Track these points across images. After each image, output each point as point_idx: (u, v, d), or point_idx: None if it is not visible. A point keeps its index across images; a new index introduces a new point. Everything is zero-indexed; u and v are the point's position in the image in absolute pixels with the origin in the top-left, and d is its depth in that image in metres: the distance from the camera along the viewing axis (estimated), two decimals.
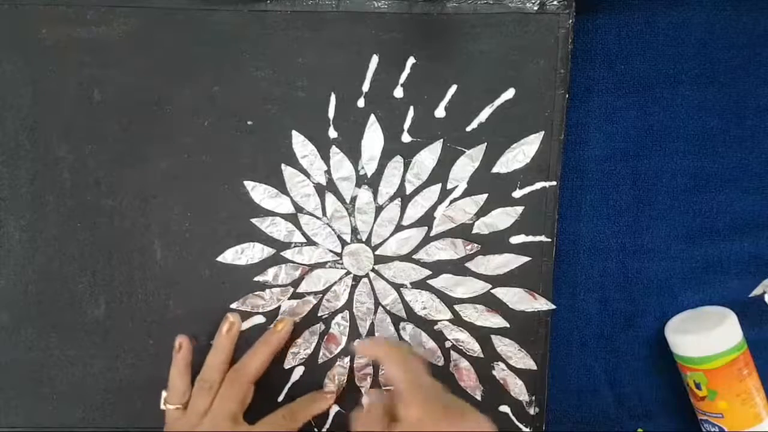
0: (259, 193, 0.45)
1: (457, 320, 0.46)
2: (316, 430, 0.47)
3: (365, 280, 0.46)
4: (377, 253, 0.46)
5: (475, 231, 0.45)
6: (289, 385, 0.47)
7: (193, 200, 0.45)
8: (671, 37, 0.46)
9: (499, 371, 0.47)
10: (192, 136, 0.45)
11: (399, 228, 0.46)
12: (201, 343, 0.46)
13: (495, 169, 0.45)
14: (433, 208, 0.45)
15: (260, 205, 0.45)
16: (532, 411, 0.47)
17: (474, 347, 0.47)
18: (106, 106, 0.45)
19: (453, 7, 0.43)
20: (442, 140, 0.44)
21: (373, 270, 0.46)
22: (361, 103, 0.44)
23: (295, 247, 0.46)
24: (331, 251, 0.46)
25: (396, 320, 0.47)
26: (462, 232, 0.45)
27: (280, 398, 0.47)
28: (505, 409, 0.47)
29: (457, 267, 0.46)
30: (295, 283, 0.46)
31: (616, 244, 0.49)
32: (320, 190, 0.45)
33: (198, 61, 0.44)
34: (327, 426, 0.47)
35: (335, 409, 0.47)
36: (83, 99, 0.45)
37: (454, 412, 0.37)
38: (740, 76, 0.47)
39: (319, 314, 0.47)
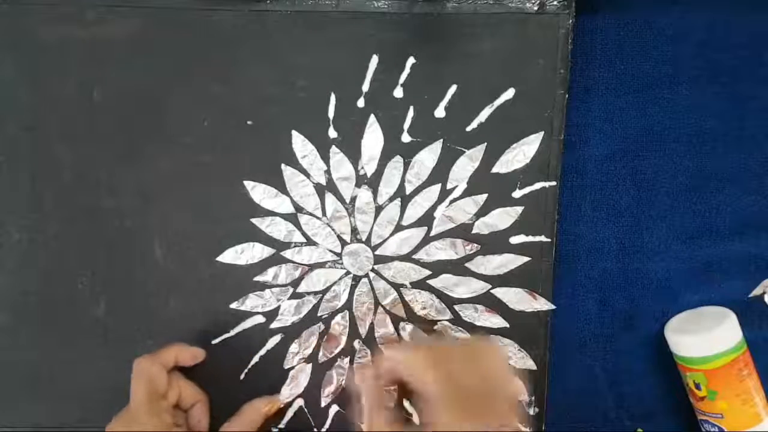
0: (259, 193, 0.45)
1: (457, 320, 0.46)
2: (315, 430, 0.47)
3: (365, 280, 0.46)
4: (377, 253, 0.46)
5: (475, 231, 0.45)
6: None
7: (193, 200, 0.45)
8: (671, 37, 0.46)
9: None
10: (192, 136, 0.45)
11: (399, 228, 0.46)
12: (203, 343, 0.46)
13: (495, 169, 0.45)
14: (433, 208, 0.45)
15: (260, 205, 0.45)
16: (532, 411, 0.47)
17: None
18: (106, 106, 0.45)
19: (453, 7, 0.43)
20: (442, 140, 0.44)
21: (372, 270, 0.46)
22: (361, 103, 0.44)
23: (295, 247, 0.46)
24: (330, 251, 0.46)
25: (396, 320, 0.47)
26: (462, 232, 0.45)
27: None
28: None
29: (457, 267, 0.46)
30: (295, 283, 0.46)
31: (616, 244, 0.49)
32: (320, 190, 0.45)
33: (198, 61, 0.44)
34: (327, 426, 0.47)
35: (335, 408, 0.47)
36: (83, 99, 0.45)
37: (477, 412, 0.36)
38: (740, 76, 0.47)
39: (318, 314, 0.47)
